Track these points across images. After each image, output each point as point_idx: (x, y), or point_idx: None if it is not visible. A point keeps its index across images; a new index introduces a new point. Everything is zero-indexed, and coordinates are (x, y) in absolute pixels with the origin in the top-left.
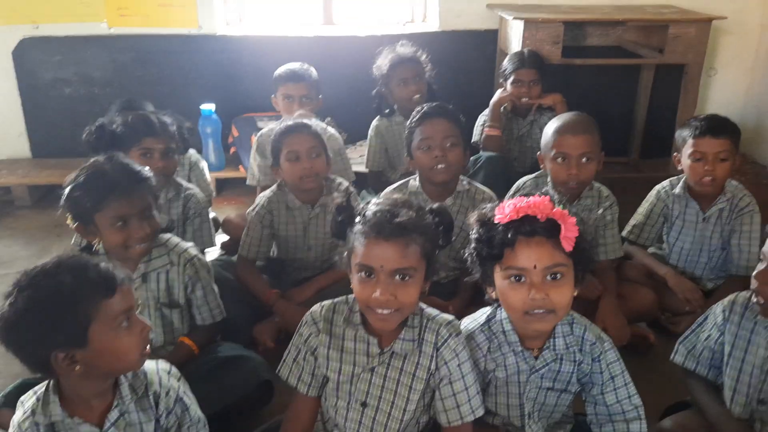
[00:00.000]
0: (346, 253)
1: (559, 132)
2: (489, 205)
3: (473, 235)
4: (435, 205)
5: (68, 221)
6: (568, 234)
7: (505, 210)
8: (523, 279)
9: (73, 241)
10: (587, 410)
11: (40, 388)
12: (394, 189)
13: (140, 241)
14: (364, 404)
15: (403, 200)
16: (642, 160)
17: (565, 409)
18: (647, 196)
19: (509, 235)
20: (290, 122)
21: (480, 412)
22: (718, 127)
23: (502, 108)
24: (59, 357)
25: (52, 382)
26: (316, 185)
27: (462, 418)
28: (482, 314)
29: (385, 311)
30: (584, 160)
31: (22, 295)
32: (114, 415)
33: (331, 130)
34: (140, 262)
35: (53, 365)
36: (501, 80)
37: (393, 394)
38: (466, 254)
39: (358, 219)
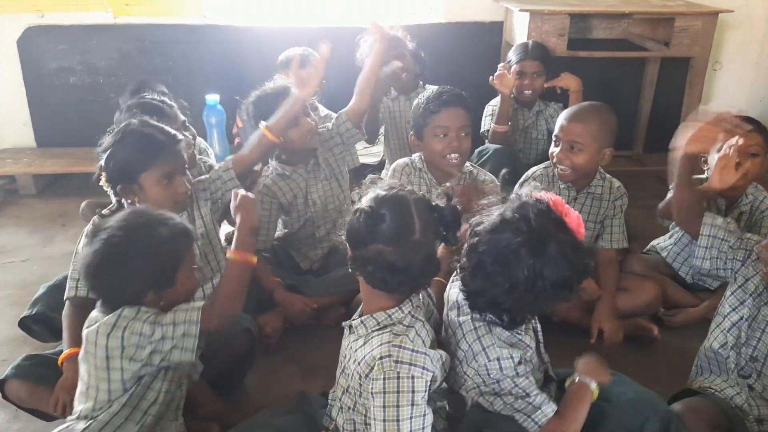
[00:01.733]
0: None
1: (562, 117)
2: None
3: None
4: (444, 204)
5: (103, 182)
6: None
7: (575, 219)
8: None
9: (85, 205)
10: None
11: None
12: (402, 168)
13: (184, 196)
14: (342, 369)
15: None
16: (646, 154)
17: None
18: None
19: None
20: (276, 88)
21: None
22: (751, 121)
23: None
24: (151, 296)
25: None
26: (313, 143)
27: None
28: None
29: None
30: (572, 148)
31: (120, 245)
32: None
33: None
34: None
35: (142, 302)
36: (505, 72)
37: (350, 364)
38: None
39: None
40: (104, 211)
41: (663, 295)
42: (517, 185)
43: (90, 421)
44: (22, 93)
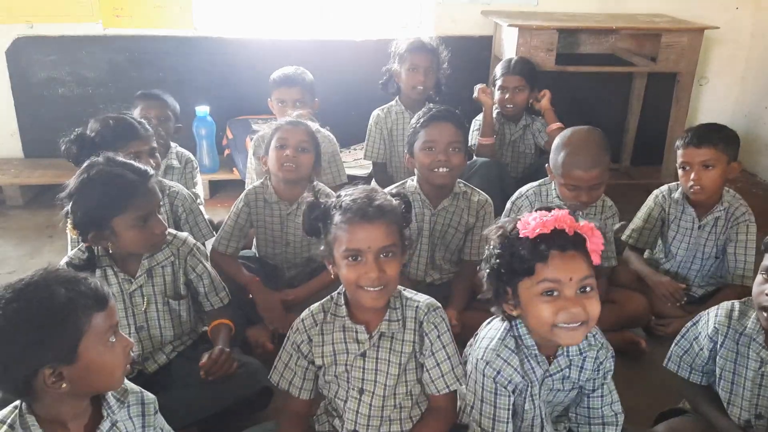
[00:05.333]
0: (323, 247)
1: (570, 165)
2: (506, 219)
3: (494, 251)
4: (394, 189)
5: (69, 230)
6: (596, 247)
7: (531, 224)
8: (555, 293)
9: (70, 248)
10: (569, 408)
11: (8, 415)
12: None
13: (161, 236)
14: (361, 391)
15: (372, 187)
16: (633, 167)
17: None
18: (646, 201)
19: (541, 249)
20: (291, 118)
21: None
22: (701, 136)
23: (495, 114)
24: (46, 374)
25: (23, 405)
26: (295, 177)
27: (448, 387)
28: (496, 331)
29: (376, 288)
30: (593, 186)
31: (8, 309)
32: (106, 425)
33: (325, 131)
34: (143, 258)
35: (37, 384)
36: (491, 86)
37: (385, 376)
38: (482, 271)
39: (334, 210)
40: (71, 254)
41: (650, 307)
42: (509, 203)
43: None
44: (11, 103)
